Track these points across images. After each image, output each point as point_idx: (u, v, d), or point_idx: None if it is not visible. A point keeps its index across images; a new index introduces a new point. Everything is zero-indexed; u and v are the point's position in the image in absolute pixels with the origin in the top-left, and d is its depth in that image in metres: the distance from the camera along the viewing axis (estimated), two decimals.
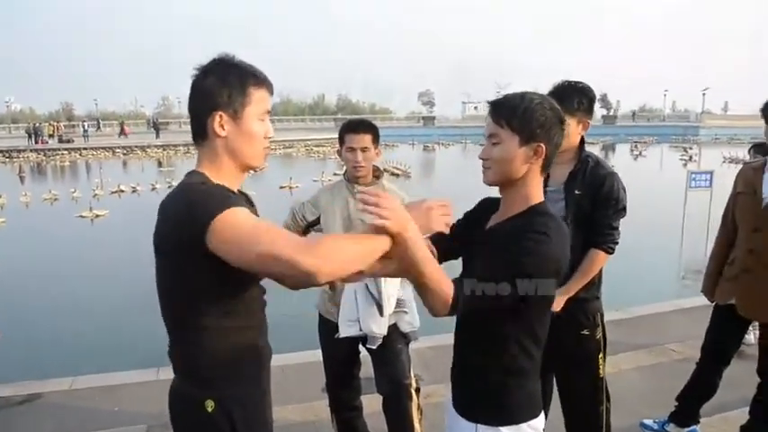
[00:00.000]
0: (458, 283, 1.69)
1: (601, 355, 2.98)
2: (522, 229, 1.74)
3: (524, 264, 1.68)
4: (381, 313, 2.93)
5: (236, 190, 1.76)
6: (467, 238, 1.99)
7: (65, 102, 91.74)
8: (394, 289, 2.99)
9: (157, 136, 48.34)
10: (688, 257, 10.73)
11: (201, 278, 1.61)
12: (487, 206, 2.01)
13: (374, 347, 3.06)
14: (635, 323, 6.06)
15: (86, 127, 51.00)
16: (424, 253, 1.61)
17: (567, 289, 2.79)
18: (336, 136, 3.21)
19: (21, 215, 17.45)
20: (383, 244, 1.54)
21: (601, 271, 2.95)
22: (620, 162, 29.38)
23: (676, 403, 3.65)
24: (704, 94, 75.83)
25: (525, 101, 1.76)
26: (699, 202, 10.60)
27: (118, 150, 41.48)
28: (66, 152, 40.20)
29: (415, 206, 1.73)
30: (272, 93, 1.79)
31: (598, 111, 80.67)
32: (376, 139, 3.07)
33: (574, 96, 2.82)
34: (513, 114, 1.76)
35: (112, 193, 20.95)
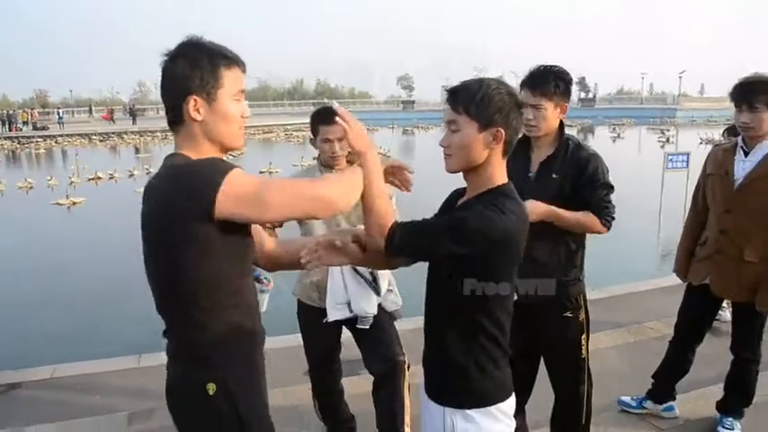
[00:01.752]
0: (398, 223, 1.78)
1: (584, 337, 2.99)
2: (480, 203, 1.79)
3: (466, 219, 1.74)
4: (378, 293, 2.96)
5: None
6: None
7: (39, 89, 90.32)
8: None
9: (134, 122, 47.80)
10: (665, 237, 10.87)
11: (200, 258, 1.61)
12: (455, 196, 2.03)
13: (366, 327, 3.07)
14: (613, 302, 6.14)
15: (61, 114, 50.20)
16: (378, 182, 1.76)
17: (552, 209, 2.70)
18: None
19: None
20: (361, 172, 1.74)
21: (583, 253, 2.96)
22: (599, 144, 29.55)
23: (652, 381, 3.71)
24: (681, 77, 76.46)
25: (483, 87, 1.79)
26: (676, 183, 10.72)
27: (94, 137, 40.93)
28: (41, 139, 39.67)
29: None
30: (244, 71, 1.77)
31: (576, 93, 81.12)
32: None
33: (550, 80, 2.80)
34: (471, 101, 1.78)
35: (89, 180, 20.66)
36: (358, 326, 3.09)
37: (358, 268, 2.93)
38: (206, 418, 1.73)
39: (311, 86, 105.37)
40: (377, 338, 3.11)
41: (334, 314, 3.02)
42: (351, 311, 3.00)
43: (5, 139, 40.13)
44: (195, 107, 1.67)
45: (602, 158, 2.88)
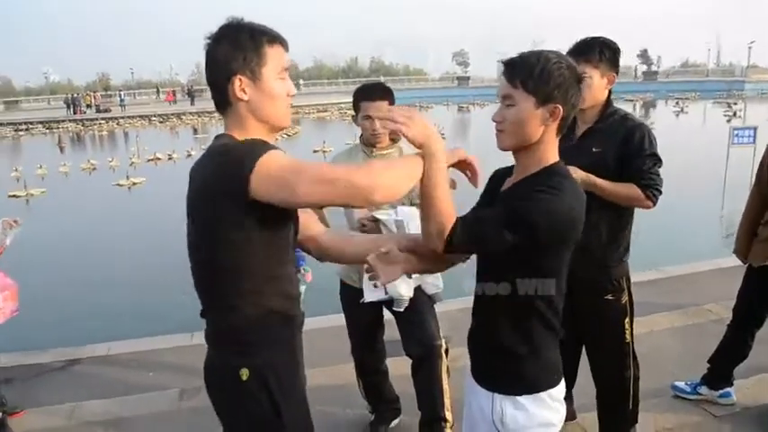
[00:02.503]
0: (459, 219, 1.66)
1: (627, 320, 2.88)
2: (534, 185, 1.69)
3: (530, 211, 1.64)
4: (409, 275, 2.90)
5: None
6: None
7: (101, 72, 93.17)
8: None
9: (192, 103, 48.76)
10: (729, 215, 10.43)
11: (240, 240, 1.61)
12: (500, 176, 1.94)
13: (401, 310, 3.04)
14: (671, 283, 5.93)
15: (123, 96, 51.69)
16: (441, 177, 1.63)
17: (590, 177, 2.60)
18: None
19: (60, 184, 17.83)
20: (419, 162, 1.61)
21: (629, 233, 2.85)
22: (661, 119, 28.63)
23: (708, 365, 3.56)
24: (750, 48, 72.96)
25: (542, 60, 1.68)
26: (742, 159, 10.25)
27: (154, 119, 42.00)
28: (103, 121, 40.94)
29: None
30: (287, 49, 1.76)
31: (638, 67, 78.47)
32: (392, 104, 3.00)
33: (596, 48, 2.70)
34: (530, 75, 1.67)
35: (149, 160, 21.22)
36: (393, 308, 3.06)
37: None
38: (239, 403, 1.74)
39: (365, 64, 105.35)
40: (414, 321, 3.07)
41: (369, 295, 2.99)
42: (386, 293, 2.96)
43: (70, 121, 41.56)
44: (241, 87, 1.68)
45: (650, 129, 2.75)
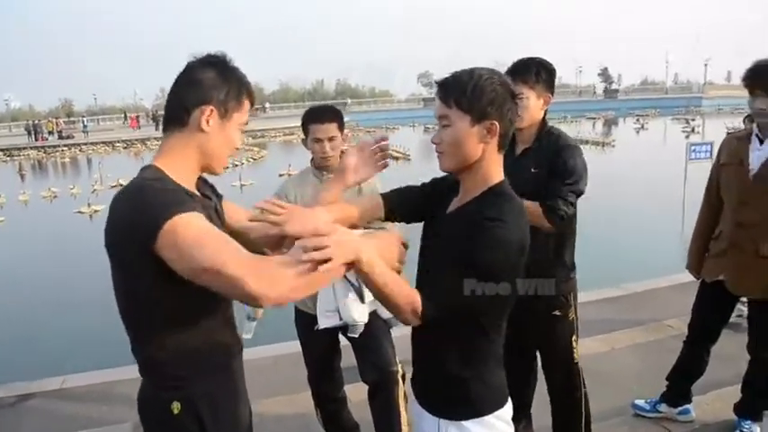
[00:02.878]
0: (421, 297, 1.61)
1: (574, 338, 2.91)
2: (474, 218, 1.65)
3: (487, 260, 1.60)
4: (362, 300, 2.86)
5: (191, 189, 1.69)
6: (426, 213, 1.95)
7: (64, 98, 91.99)
8: None
9: (157, 128, 48.14)
10: (688, 231, 10.60)
11: (155, 277, 1.52)
12: (448, 186, 1.91)
13: (356, 336, 2.99)
14: (631, 300, 5.98)
15: (86, 122, 50.98)
16: (385, 276, 1.56)
17: None
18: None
19: (19, 213, 17.48)
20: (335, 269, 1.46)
21: (572, 249, 2.87)
22: (622, 136, 29.19)
23: (667, 383, 3.57)
24: (706, 65, 75.15)
25: (474, 77, 1.66)
26: (700, 175, 10.43)
27: (118, 144, 41.40)
28: (66, 148, 40.17)
29: (351, 153, 1.97)
30: (253, 106, 1.78)
31: (599, 85, 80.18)
32: (341, 126, 2.99)
33: (532, 68, 2.71)
34: (463, 93, 1.66)
35: (112, 187, 20.68)
36: (348, 334, 3.01)
37: (347, 274, 2.84)
38: None
39: (332, 87, 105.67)
40: (369, 347, 3.03)
41: (324, 322, 2.94)
42: (341, 319, 2.91)
43: (32, 148, 40.69)
44: (207, 117, 1.63)
45: (580, 152, 2.73)
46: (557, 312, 2.86)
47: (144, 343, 1.67)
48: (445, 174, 1.87)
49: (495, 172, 1.75)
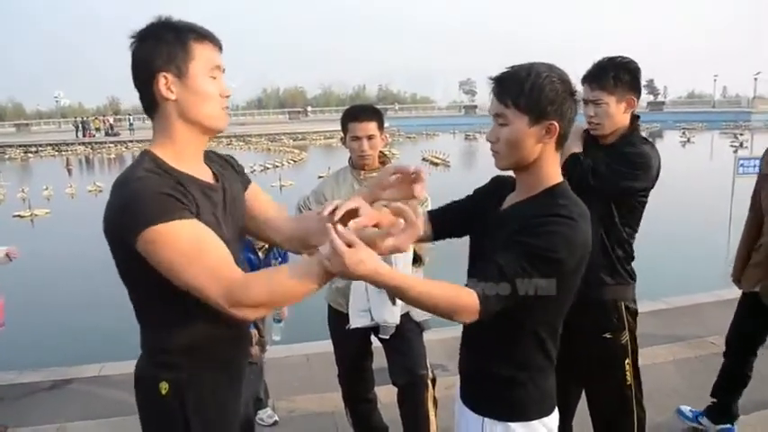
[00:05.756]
0: (477, 290, 1.52)
1: (628, 361, 2.66)
2: (543, 212, 1.59)
3: (549, 243, 1.53)
4: (393, 301, 2.83)
5: (192, 170, 1.62)
6: (477, 217, 1.86)
7: (111, 96, 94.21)
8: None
9: None
10: (734, 246, 10.32)
11: (147, 270, 1.48)
12: (500, 185, 1.86)
13: (387, 337, 2.97)
14: (674, 314, 5.82)
15: (132, 120, 52.15)
16: (405, 282, 1.47)
17: None
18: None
19: (66, 206, 17.88)
20: (312, 276, 1.45)
21: (629, 251, 2.67)
22: (668, 149, 28.58)
23: (712, 399, 3.47)
24: (756, 79, 73.14)
25: (532, 75, 1.58)
26: (748, 189, 10.14)
27: None
28: (112, 145, 41.16)
29: (380, 178, 1.76)
30: (220, 48, 1.64)
31: (644, 97, 78.76)
32: (381, 126, 2.96)
33: (609, 71, 2.52)
34: (521, 92, 1.58)
35: None
36: (380, 335, 2.98)
37: None
38: (154, 416, 1.68)
39: (373, 92, 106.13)
40: (400, 349, 3.00)
41: (356, 321, 2.92)
42: (372, 319, 2.89)
43: (79, 144, 41.94)
44: (166, 84, 1.54)
45: (649, 153, 2.53)
46: (607, 335, 2.63)
47: (146, 325, 1.69)
48: (496, 177, 1.84)
49: (554, 172, 1.69)
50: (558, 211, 1.58)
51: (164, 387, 1.61)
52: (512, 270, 1.52)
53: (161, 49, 1.54)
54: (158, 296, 1.57)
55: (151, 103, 1.59)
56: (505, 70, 1.65)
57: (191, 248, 1.45)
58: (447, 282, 1.55)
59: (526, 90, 1.58)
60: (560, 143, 1.66)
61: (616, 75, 2.52)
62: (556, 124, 1.60)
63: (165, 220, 1.43)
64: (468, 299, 1.51)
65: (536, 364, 1.72)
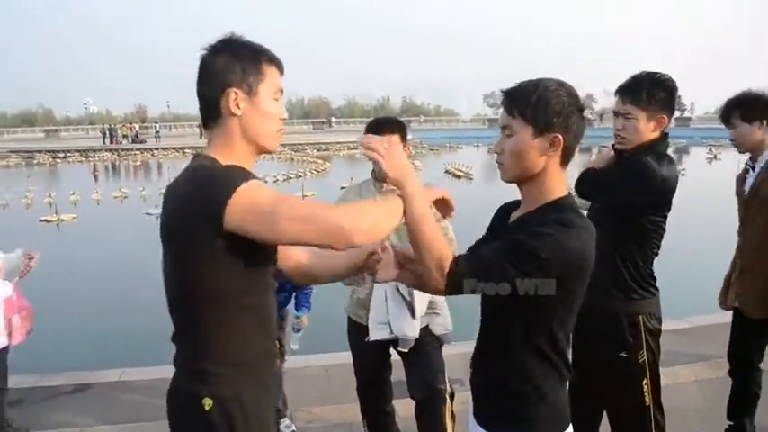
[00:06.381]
0: (458, 257, 1.58)
1: (646, 381, 2.60)
2: (542, 220, 1.61)
3: (535, 247, 1.54)
4: (413, 315, 2.83)
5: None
6: None
7: (138, 104, 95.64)
8: None
9: None
10: None
11: (213, 268, 1.54)
12: (505, 211, 1.89)
13: (406, 350, 2.96)
14: (696, 333, 5.74)
15: (158, 128, 52.87)
16: (423, 212, 1.57)
17: None
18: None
19: (92, 211, 18.11)
20: (399, 201, 1.55)
21: (647, 261, 2.62)
22: (694, 165, 28.25)
23: (729, 423, 3.45)
24: None
25: (540, 88, 1.62)
26: None
27: (187, 150, 42.67)
28: (138, 152, 41.75)
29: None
30: (282, 72, 1.72)
31: None
32: (404, 138, 2.97)
33: (642, 86, 2.49)
34: (527, 103, 1.61)
35: None
36: (399, 348, 2.98)
37: (400, 287, 2.82)
38: None
39: (397, 104, 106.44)
40: (418, 363, 3.00)
41: (375, 334, 2.92)
42: (392, 332, 2.89)
43: (106, 151, 42.53)
44: (235, 100, 1.62)
45: (654, 167, 2.47)
46: (623, 354, 2.57)
47: (187, 334, 1.68)
48: (501, 206, 1.89)
49: (558, 186, 1.70)
50: (559, 219, 1.60)
51: (207, 403, 1.62)
52: (490, 254, 1.57)
53: (236, 65, 1.62)
54: (210, 299, 1.59)
55: (214, 115, 1.66)
56: (515, 84, 1.69)
57: (282, 194, 1.54)
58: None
59: (533, 101, 1.61)
60: (565, 158, 1.68)
61: (650, 91, 2.49)
62: (560, 137, 1.62)
63: (248, 180, 1.51)
64: (443, 261, 1.56)
65: (542, 378, 1.71)
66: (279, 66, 1.71)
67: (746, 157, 3.28)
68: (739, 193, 3.31)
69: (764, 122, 3.08)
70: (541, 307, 1.61)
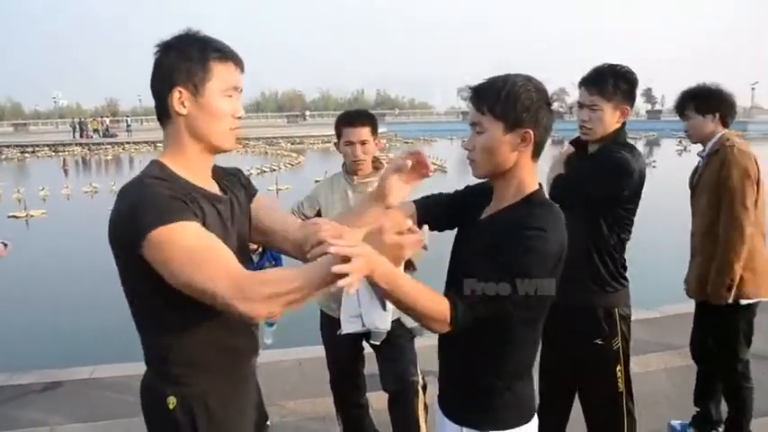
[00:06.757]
0: (454, 299, 1.56)
1: (619, 368, 2.66)
2: (517, 224, 1.61)
3: (523, 264, 1.56)
4: (384, 307, 2.82)
5: (201, 182, 1.64)
6: (458, 220, 1.91)
7: (110, 98, 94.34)
8: None
9: None
10: None
11: (151, 279, 1.48)
12: (478, 194, 1.88)
13: (378, 343, 2.96)
14: (665, 323, 5.80)
15: (129, 122, 52.17)
16: (404, 290, 1.51)
17: None
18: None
19: (61, 207, 17.81)
20: (329, 275, 1.39)
21: (617, 254, 2.67)
22: (664, 157, 28.68)
23: (696, 408, 3.52)
24: (753, 89, 73.47)
25: (508, 84, 1.62)
26: None
27: (159, 144, 42.05)
28: (109, 146, 41.18)
29: (389, 174, 1.74)
30: (241, 69, 1.66)
31: (642, 105, 79.08)
32: (375, 131, 2.97)
33: (608, 79, 2.55)
34: (497, 99, 1.62)
35: None
36: (371, 341, 2.98)
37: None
38: (163, 430, 1.67)
39: (372, 97, 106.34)
40: (390, 356, 3.01)
41: (347, 327, 2.91)
42: (363, 325, 2.88)
43: (76, 145, 41.91)
44: (180, 99, 1.58)
45: (628, 158, 2.53)
46: (598, 341, 2.62)
47: (150, 337, 1.66)
48: (483, 181, 1.84)
49: (530, 180, 1.71)
50: (531, 222, 1.60)
51: (171, 402, 1.60)
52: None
53: (182, 64, 1.57)
54: (162, 305, 1.56)
55: (164, 113, 1.63)
56: (483, 81, 1.69)
57: (198, 246, 1.45)
58: (430, 289, 1.57)
59: (502, 98, 1.62)
60: (536, 152, 1.70)
61: (615, 82, 2.55)
62: (531, 132, 1.63)
63: (171, 221, 1.44)
64: (441, 306, 1.55)
65: (512, 372, 1.73)
66: (236, 61, 1.64)
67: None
68: (691, 182, 3.43)
69: (717, 115, 3.21)
70: (525, 304, 1.63)
